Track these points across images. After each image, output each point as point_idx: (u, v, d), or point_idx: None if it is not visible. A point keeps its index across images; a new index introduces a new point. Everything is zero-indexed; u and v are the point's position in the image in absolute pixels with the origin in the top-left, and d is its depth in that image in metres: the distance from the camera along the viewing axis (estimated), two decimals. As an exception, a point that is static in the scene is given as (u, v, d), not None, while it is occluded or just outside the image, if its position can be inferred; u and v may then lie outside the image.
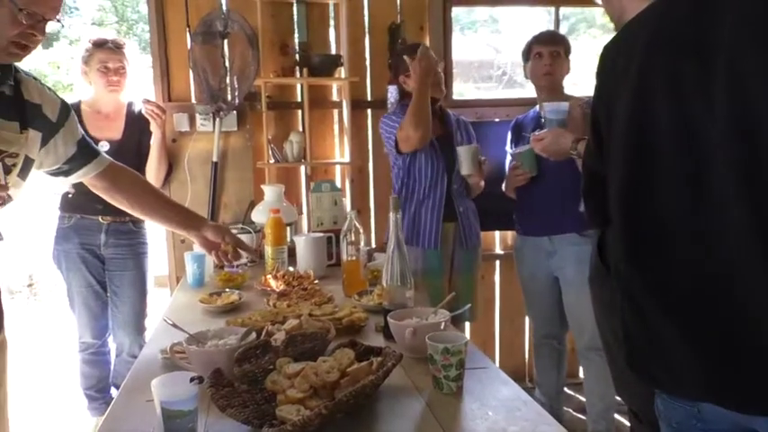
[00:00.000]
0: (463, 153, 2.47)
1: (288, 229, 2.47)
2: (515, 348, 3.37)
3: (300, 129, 3.01)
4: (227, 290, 2.05)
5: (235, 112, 2.91)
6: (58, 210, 2.65)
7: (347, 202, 3.00)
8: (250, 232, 2.64)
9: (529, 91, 2.68)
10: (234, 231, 2.64)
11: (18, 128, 1.44)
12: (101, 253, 2.65)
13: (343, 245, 2.00)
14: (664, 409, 1.01)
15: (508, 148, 2.66)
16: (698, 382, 0.93)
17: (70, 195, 2.58)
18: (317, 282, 2.09)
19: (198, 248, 2.32)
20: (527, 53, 2.54)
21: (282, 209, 2.41)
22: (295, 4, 2.96)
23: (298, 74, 2.93)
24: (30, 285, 5.72)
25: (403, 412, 1.18)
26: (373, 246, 2.88)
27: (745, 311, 0.87)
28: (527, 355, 3.35)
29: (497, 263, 3.30)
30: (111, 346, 2.81)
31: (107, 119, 2.63)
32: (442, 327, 1.45)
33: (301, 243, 2.33)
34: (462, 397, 1.24)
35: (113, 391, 2.78)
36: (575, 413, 2.97)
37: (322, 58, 2.89)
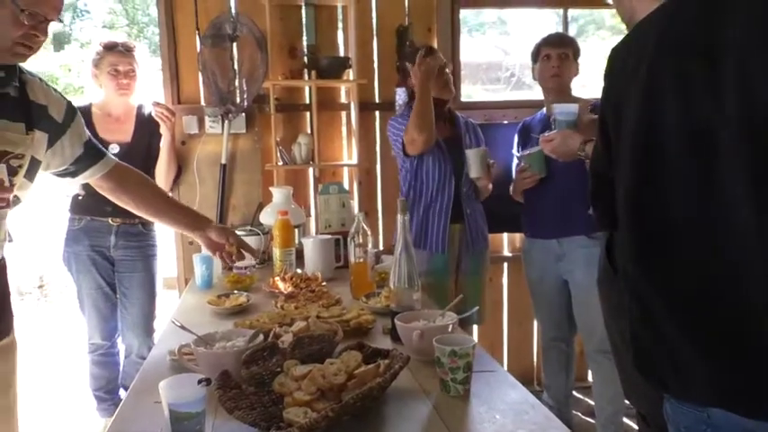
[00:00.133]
0: (472, 156, 2.46)
1: (296, 231, 2.48)
2: (524, 351, 3.36)
3: (309, 131, 3.02)
4: (236, 292, 2.06)
5: (243, 114, 2.92)
6: (68, 212, 2.67)
7: (355, 204, 3.01)
8: (258, 234, 2.65)
9: (537, 93, 2.68)
10: (242, 233, 2.67)
11: (24, 129, 1.44)
12: (110, 255, 2.66)
13: (351, 247, 2.00)
14: (672, 413, 1.00)
15: (515, 151, 2.66)
16: (706, 386, 0.92)
17: (80, 197, 2.60)
18: (324, 284, 2.10)
19: (206, 250, 2.34)
20: (536, 55, 2.54)
21: (290, 211, 2.41)
22: (303, 7, 2.97)
23: (306, 76, 2.93)
24: (40, 287, 5.76)
25: (410, 415, 1.18)
26: (381, 248, 2.88)
27: (751, 313, 0.87)
28: (535, 358, 3.33)
29: (505, 265, 3.29)
30: (121, 347, 2.83)
31: (117, 121, 2.65)
32: (449, 329, 1.45)
33: (309, 245, 2.34)
34: (470, 400, 1.24)
35: (122, 393, 2.80)
36: (583, 417, 2.95)
37: (330, 61, 2.90)
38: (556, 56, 2.46)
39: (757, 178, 0.84)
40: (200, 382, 1.06)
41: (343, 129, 3.14)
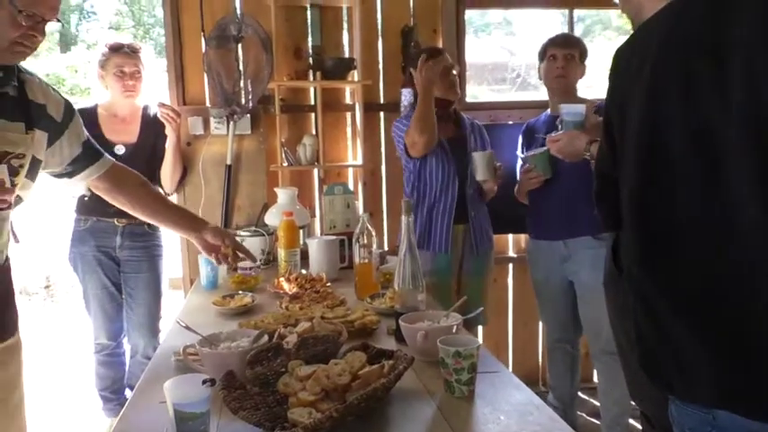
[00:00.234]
0: (478, 159, 2.46)
1: (300, 231, 2.48)
2: (529, 352, 3.35)
3: (313, 132, 3.02)
4: (241, 292, 2.06)
5: (248, 115, 2.93)
6: (73, 213, 2.68)
7: (360, 204, 3.01)
8: (263, 235, 2.65)
9: (543, 94, 2.67)
10: (247, 234, 2.68)
11: (24, 128, 1.43)
12: (116, 255, 2.67)
13: (356, 248, 2.00)
14: (677, 415, 1.00)
15: (519, 152, 2.65)
16: (711, 387, 0.92)
17: (86, 198, 2.61)
18: (329, 284, 2.10)
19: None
20: (542, 54, 2.54)
21: (295, 212, 2.42)
22: (309, 8, 2.98)
23: (311, 77, 2.94)
24: (47, 287, 5.79)
25: (414, 416, 1.18)
26: (386, 249, 2.88)
27: (757, 313, 0.86)
28: (541, 359, 3.33)
29: (510, 266, 3.28)
30: (126, 347, 2.83)
31: (123, 122, 2.66)
32: (453, 330, 1.45)
33: (314, 246, 2.34)
34: (474, 401, 1.24)
35: (128, 393, 2.81)
36: (589, 418, 2.94)
37: (335, 62, 2.90)
38: (561, 56, 2.46)
39: (763, 177, 0.84)
40: (204, 382, 1.06)
41: (348, 130, 3.15)
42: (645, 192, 1.01)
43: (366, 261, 2.00)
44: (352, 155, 3.13)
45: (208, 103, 2.97)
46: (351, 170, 3.15)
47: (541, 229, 2.58)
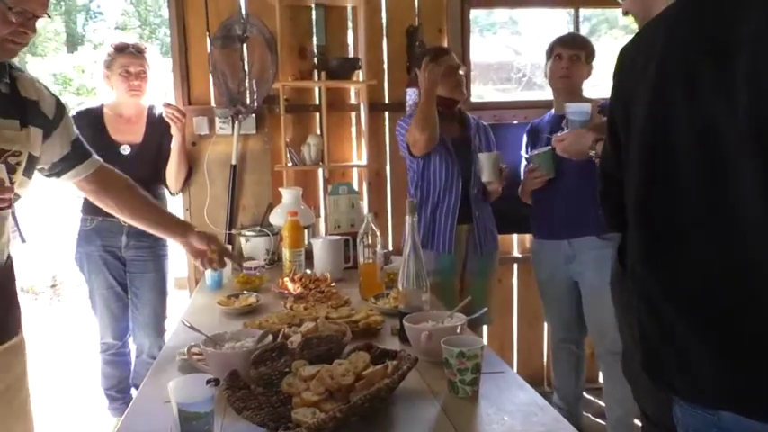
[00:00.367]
0: (484, 160, 2.46)
1: (305, 231, 2.49)
2: (534, 352, 3.34)
3: (318, 132, 3.02)
4: (245, 292, 2.07)
5: (253, 115, 2.93)
6: (79, 212, 2.69)
7: (364, 204, 3.01)
8: (268, 235, 2.66)
9: (548, 93, 2.66)
10: (252, 234, 2.69)
11: (18, 125, 1.42)
12: (122, 255, 2.68)
13: (360, 248, 2.00)
14: (682, 416, 0.99)
15: (524, 152, 2.65)
16: (715, 388, 0.92)
17: (92, 198, 2.61)
18: (333, 284, 2.10)
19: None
20: (549, 53, 2.53)
21: (300, 212, 2.42)
22: (313, 8, 2.97)
23: (316, 77, 2.94)
24: (53, 286, 5.82)
25: (418, 416, 1.18)
26: (390, 249, 2.88)
27: (760, 312, 0.86)
28: (546, 359, 3.32)
29: (515, 266, 3.28)
30: (132, 347, 2.84)
31: (128, 122, 2.67)
32: (457, 330, 1.45)
33: (318, 246, 2.34)
34: (478, 401, 1.24)
35: (134, 392, 2.82)
36: (594, 418, 2.93)
37: (340, 62, 2.90)
38: (567, 57, 2.45)
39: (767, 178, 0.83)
40: (208, 382, 1.06)
41: (353, 129, 3.15)
42: (649, 190, 1.01)
43: (370, 261, 2.00)
44: (357, 155, 3.13)
45: (213, 104, 2.97)
46: (355, 170, 3.15)
47: (545, 229, 2.58)
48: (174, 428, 1.06)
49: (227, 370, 1.21)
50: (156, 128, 2.69)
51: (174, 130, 2.69)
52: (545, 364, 3.32)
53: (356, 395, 1.12)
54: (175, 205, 2.97)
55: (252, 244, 2.68)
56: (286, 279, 2.14)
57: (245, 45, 2.86)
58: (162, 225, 1.82)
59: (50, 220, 5.45)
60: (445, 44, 3.02)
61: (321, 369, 1.19)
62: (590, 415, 2.96)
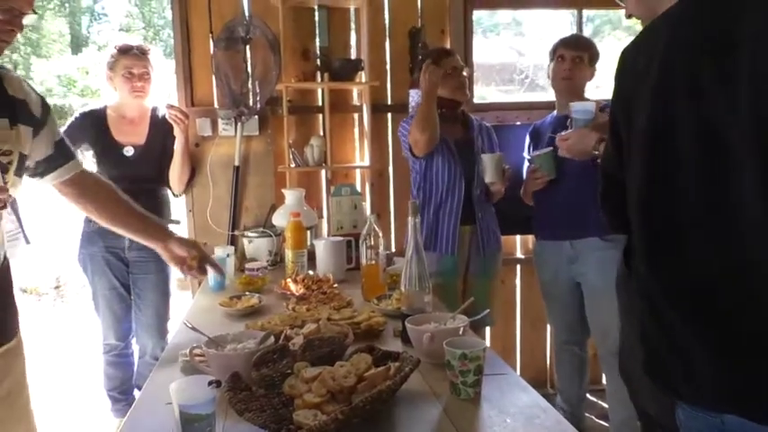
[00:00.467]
0: (488, 161, 2.46)
1: (308, 232, 2.49)
2: (537, 353, 3.34)
3: (321, 133, 3.02)
4: (248, 293, 2.07)
5: (256, 116, 2.94)
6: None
7: (367, 205, 3.01)
8: (271, 236, 2.66)
9: (551, 94, 2.66)
10: (254, 235, 2.69)
11: (8, 124, 1.41)
12: (125, 256, 2.69)
13: (363, 249, 2.00)
14: (685, 419, 0.99)
15: (526, 153, 2.65)
16: (718, 390, 0.91)
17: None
18: (336, 285, 2.10)
19: (219, 252, 2.35)
20: (552, 53, 2.52)
21: (303, 213, 2.42)
22: (316, 10, 2.98)
23: (319, 78, 2.94)
24: (57, 287, 5.83)
25: (420, 418, 1.18)
26: (393, 250, 2.88)
27: (761, 312, 0.86)
28: (549, 361, 3.31)
29: (518, 267, 3.27)
30: (135, 348, 2.85)
31: (131, 124, 2.68)
32: (460, 332, 1.44)
33: (321, 247, 2.34)
34: (480, 403, 1.23)
35: (137, 393, 2.82)
36: (597, 420, 2.93)
37: (343, 63, 2.91)
38: (570, 58, 2.45)
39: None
40: (210, 383, 1.06)
41: (356, 131, 3.15)
42: (650, 190, 1.00)
43: (373, 262, 2.00)
44: (360, 156, 3.13)
45: (216, 105, 2.97)
46: (358, 171, 3.15)
47: (547, 230, 2.57)
48: (176, 430, 1.05)
49: (228, 371, 1.21)
50: (160, 129, 2.70)
51: (177, 132, 2.70)
52: (548, 365, 3.31)
53: (358, 397, 1.11)
54: (178, 206, 2.98)
55: (254, 245, 2.68)
56: (288, 280, 2.14)
57: (248, 46, 2.87)
58: (142, 231, 1.76)
59: (54, 221, 5.46)
60: (448, 45, 3.01)
61: (323, 371, 1.18)
62: (593, 417, 2.95)
